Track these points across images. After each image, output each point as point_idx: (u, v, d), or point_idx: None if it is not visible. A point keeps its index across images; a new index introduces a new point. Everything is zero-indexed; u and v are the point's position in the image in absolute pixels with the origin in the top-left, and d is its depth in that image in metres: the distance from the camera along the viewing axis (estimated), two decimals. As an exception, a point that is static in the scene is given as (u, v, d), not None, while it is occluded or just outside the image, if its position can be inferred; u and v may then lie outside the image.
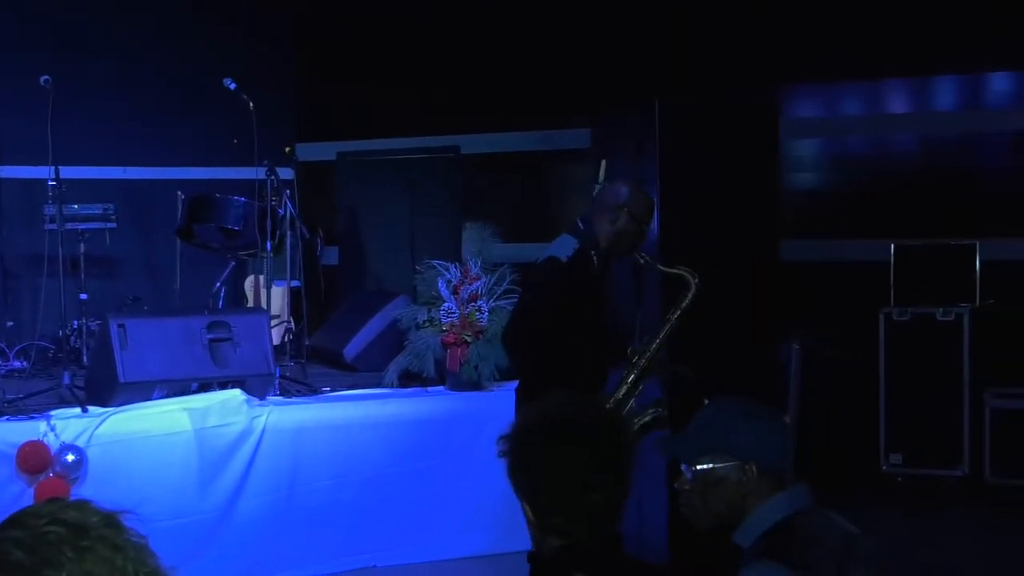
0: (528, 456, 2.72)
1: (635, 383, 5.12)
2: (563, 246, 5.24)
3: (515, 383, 6.80)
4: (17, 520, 1.78)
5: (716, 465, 2.98)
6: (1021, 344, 7.84)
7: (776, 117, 8.16)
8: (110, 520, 1.82)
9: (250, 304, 8.46)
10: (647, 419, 5.00)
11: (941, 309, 7.78)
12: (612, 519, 2.73)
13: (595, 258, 5.22)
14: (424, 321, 6.87)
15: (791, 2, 8.72)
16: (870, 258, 8.24)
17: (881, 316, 7.90)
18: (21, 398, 6.32)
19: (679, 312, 5.17)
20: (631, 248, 5.26)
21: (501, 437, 2.78)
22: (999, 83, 8.49)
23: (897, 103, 8.85)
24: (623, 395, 5.10)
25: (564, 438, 2.70)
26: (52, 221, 7.51)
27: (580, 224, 5.31)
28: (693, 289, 5.15)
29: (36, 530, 1.75)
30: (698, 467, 3.00)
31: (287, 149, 8.55)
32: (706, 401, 4.90)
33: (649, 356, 5.13)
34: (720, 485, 2.97)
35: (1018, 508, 7.46)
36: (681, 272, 5.20)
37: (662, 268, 5.26)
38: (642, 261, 5.24)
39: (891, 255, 8.04)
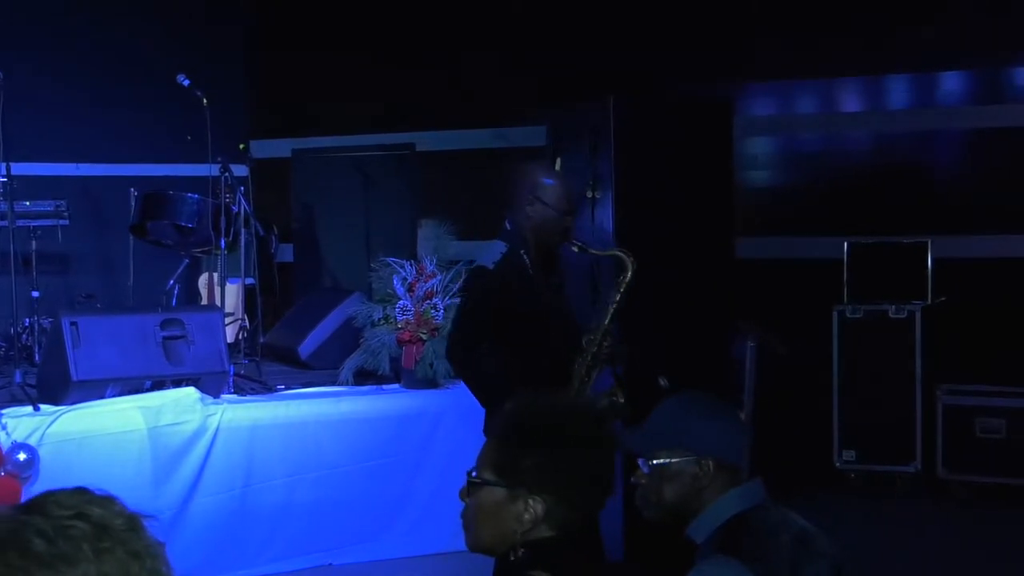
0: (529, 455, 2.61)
1: (587, 373, 5.08)
2: (490, 252, 5.13)
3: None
4: (41, 507, 1.73)
5: (673, 459, 2.98)
6: (973, 341, 7.92)
7: (730, 115, 8.18)
8: (133, 523, 1.80)
9: (204, 302, 8.42)
10: (603, 406, 4.95)
11: (894, 306, 7.85)
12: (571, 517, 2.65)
13: (526, 256, 5.09)
14: (379, 319, 6.86)
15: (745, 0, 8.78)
16: (824, 255, 8.29)
17: (834, 313, 7.96)
18: (-28, 396, 6.28)
19: (619, 295, 5.10)
20: (558, 237, 5.08)
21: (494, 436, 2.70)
22: (951, 82, 8.57)
23: (850, 101, 8.90)
24: (577, 387, 5.06)
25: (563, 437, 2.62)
26: (4, 218, 7.44)
27: (507, 226, 5.20)
28: (630, 269, 5.04)
29: (59, 521, 1.70)
30: (655, 461, 3.00)
31: (241, 146, 8.50)
32: (661, 380, 4.89)
33: (596, 344, 5.08)
34: (676, 479, 2.98)
35: (970, 503, 7.54)
36: (616, 254, 5.11)
37: (595, 252, 5.15)
38: (575, 249, 5.09)
39: (844, 252, 8.09)
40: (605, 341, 5.05)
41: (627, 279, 5.04)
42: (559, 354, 5.08)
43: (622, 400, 4.94)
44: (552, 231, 5.07)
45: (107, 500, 1.80)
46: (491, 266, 5.06)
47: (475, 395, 5.16)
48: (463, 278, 5.23)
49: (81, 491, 1.78)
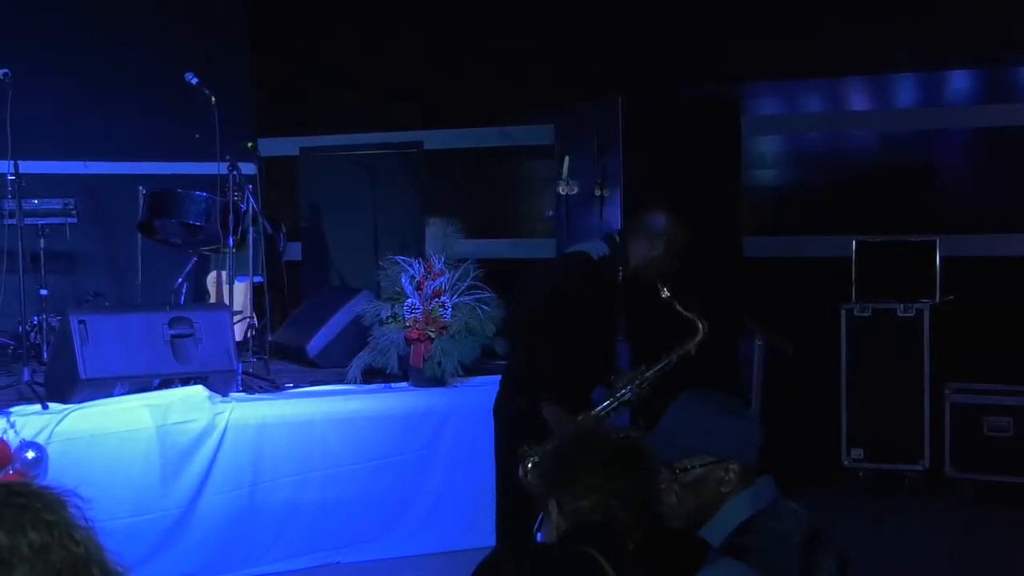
0: (566, 460, 3.07)
1: (616, 408, 5.13)
2: (595, 248, 5.28)
3: (477, 379, 6.87)
4: None
5: (699, 465, 2.94)
6: (980, 339, 7.91)
7: (738, 114, 8.20)
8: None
9: (212, 300, 8.42)
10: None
11: (902, 305, 7.84)
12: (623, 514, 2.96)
13: (621, 273, 5.24)
14: (387, 317, 6.85)
15: (753, -1, 8.78)
16: (832, 254, 8.28)
17: (843, 312, 7.95)
18: (-20, 395, 6.28)
19: (676, 356, 5.17)
20: (659, 276, 5.22)
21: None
22: (958, 81, 8.55)
23: (857, 100, 8.89)
24: (599, 415, 5.12)
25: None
26: (12, 216, 7.44)
27: (616, 237, 5.34)
28: (699, 337, 5.15)
29: None
30: (679, 468, 2.96)
31: (249, 144, 8.51)
32: None
33: (636, 385, 5.14)
34: (700, 485, 2.93)
35: (978, 501, 7.53)
36: (694, 319, 5.18)
37: (679, 308, 5.19)
38: (663, 295, 5.19)
39: (852, 251, 8.08)
40: (643, 387, 5.12)
41: (691, 346, 5.14)
42: (605, 371, 5.17)
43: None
44: (659, 270, 5.23)
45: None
46: (595, 257, 5.18)
47: (510, 364, 5.41)
48: (565, 253, 5.38)
49: None
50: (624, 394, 5.12)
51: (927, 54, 8.38)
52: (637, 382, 5.13)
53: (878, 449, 7.86)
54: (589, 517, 2.92)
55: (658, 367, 5.16)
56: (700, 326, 5.16)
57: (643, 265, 5.25)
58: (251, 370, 7.04)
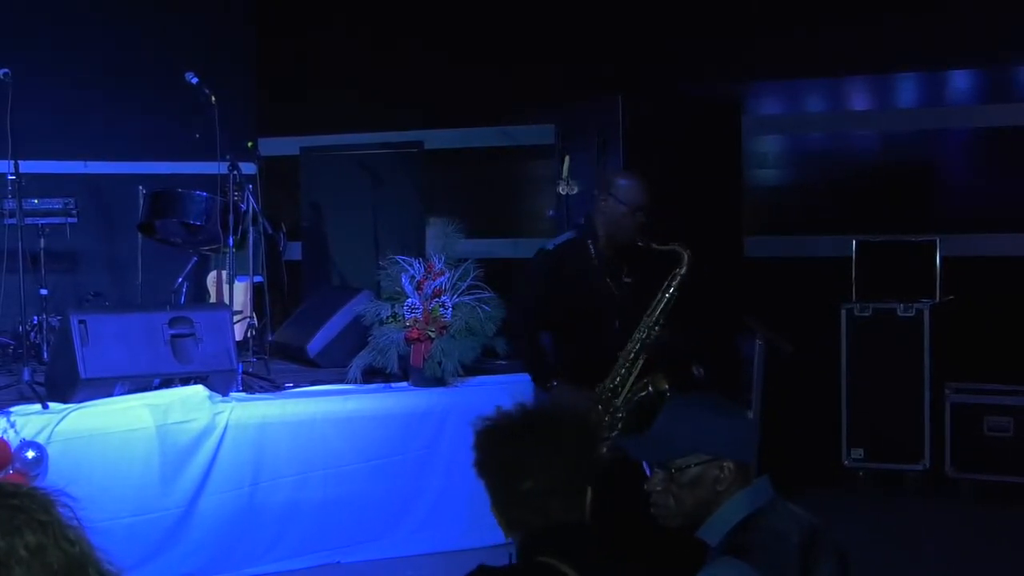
0: (480, 453, 2.94)
1: (634, 360, 5.20)
2: (556, 240, 5.46)
3: (478, 379, 6.90)
4: None
5: (693, 464, 2.93)
6: (981, 339, 7.91)
7: (739, 114, 8.20)
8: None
9: (212, 300, 8.42)
10: (642, 394, 5.10)
11: (902, 305, 7.83)
12: (559, 507, 2.81)
13: (592, 246, 5.34)
14: (387, 317, 6.86)
15: (753, -1, 8.78)
16: (832, 254, 8.29)
17: (843, 311, 7.95)
18: (-19, 394, 6.28)
19: (673, 286, 5.24)
20: (628, 234, 5.33)
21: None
22: (959, 80, 8.55)
23: (859, 100, 8.89)
24: (623, 372, 5.18)
25: (505, 435, 2.92)
26: (12, 216, 7.45)
27: (581, 220, 5.51)
28: (686, 262, 5.25)
29: None
30: (674, 468, 2.95)
31: (250, 144, 8.51)
32: (696, 370, 5.11)
33: (644, 333, 5.22)
34: (696, 484, 2.92)
35: (978, 501, 7.53)
36: (674, 248, 5.29)
37: (656, 246, 5.32)
38: (640, 244, 5.31)
39: (853, 251, 8.08)
40: (654, 330, 5.21)
41: (681, 272, 5.23)
42: (611, 343, 5.24)
43: (665, 386, 5.10)
44: (622, 226, 5.32)
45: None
46: (551, 248, 5.31)
47: (526, 371, 5.51)
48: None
49: None
50: (635, 346, 5.19)
51: (928, 54, 8.38)
52: (645, 328, 5.21)
53: (878, 449, 7.85)
54: (532, 524, 2.81)
55: (657, 307, 5.24)
56: (681, 252, 5.24)
57: (610, 230, 5.38)
58: (251, 370, 7.04)
